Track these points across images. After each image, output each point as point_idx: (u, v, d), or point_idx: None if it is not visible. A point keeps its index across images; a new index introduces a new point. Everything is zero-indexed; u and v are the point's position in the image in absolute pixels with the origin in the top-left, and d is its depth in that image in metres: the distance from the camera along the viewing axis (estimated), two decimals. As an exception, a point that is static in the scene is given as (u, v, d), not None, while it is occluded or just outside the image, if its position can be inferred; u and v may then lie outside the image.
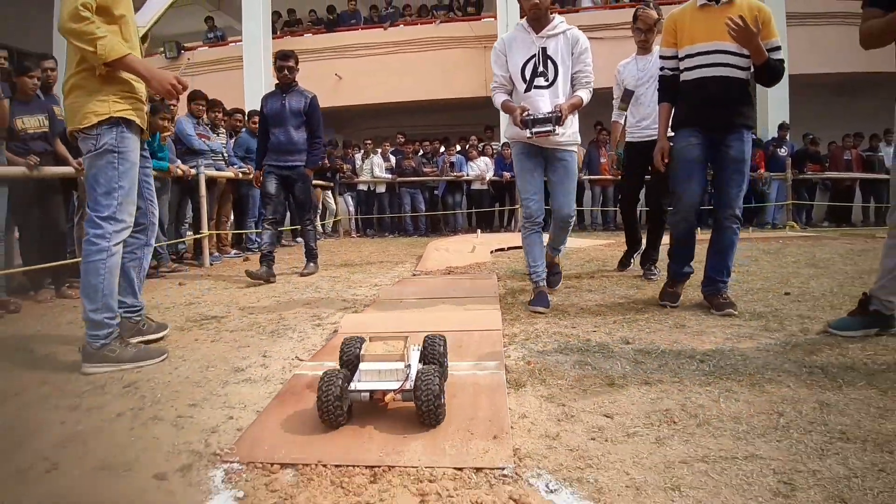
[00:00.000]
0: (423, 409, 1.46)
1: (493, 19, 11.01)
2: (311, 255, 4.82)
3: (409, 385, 1.51)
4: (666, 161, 3.06)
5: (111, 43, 2.07)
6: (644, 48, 3.99)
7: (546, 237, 3.31)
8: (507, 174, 9.91)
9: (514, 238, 7.06)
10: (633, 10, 4.03)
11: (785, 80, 10.57)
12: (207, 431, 1.53)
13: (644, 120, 3.95)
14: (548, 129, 2.83)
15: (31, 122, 3.85)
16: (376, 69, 11.32)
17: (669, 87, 3.05)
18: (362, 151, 10.07)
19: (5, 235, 3.64)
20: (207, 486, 1.24)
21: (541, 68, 3.00)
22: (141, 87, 2.29)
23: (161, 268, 5.02)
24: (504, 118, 10.31)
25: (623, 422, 1.51)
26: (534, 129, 2.84)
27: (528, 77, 3.03)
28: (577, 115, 3.10)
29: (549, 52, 3.01)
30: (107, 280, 2.21)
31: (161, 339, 2.57)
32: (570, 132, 3.05)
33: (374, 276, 4.49)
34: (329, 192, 9.57)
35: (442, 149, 10.45)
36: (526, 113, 2.84)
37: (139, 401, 1.77)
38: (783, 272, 4.09)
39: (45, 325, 3.01)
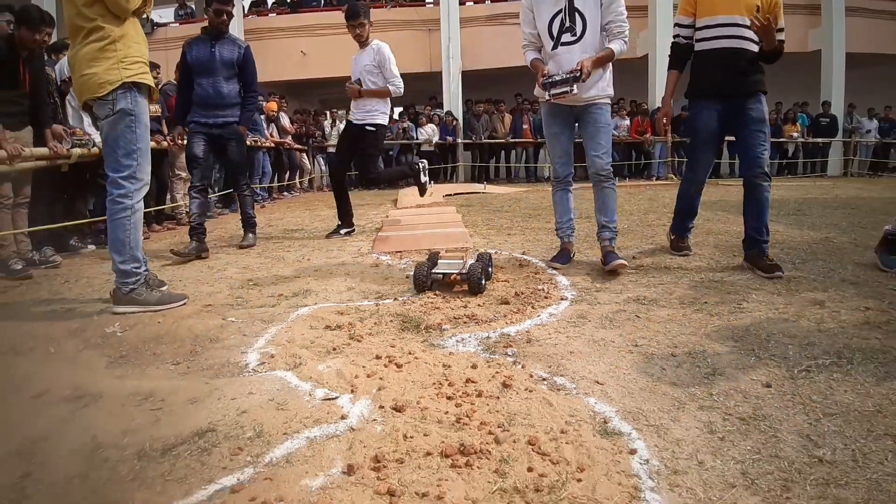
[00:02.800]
0: (471, 283, 2.66)
1: (435, 5, 13.35)
2: (249, 224, 4.60)
3: (465, 271, 2.72)
4: (668, 125, 3.66)
5: None
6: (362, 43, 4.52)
7: (582, 200, 3.81)
8: (449, 138, 12.54)
9: (458, 188, 9.76)
10: None
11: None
12: (355, 250, 4.12)
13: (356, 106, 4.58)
14: (565, 90, 2.89)
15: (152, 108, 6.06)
16: (336, 46, 13.44)
17: (682, 55, 3.26)
18: (330, 119, 12.33)
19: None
20: (375, 258, 3.84)
21: (567, 23, 2.99)
22: (146, 51, 2.59)
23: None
24: (446, 87, 12.89)
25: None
26: (552, 92, 2.94)
27: (555, 33, 3.03)
28: (609, 68, 3.10)
29: (575, 4, 2.98)
30: (132, 234, 2.52)
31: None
32: (600, 86, 3.05)
33: (370, 211, 7.02)
34: (304, 155, 11.83)
35: (396, 117, 12.87)
36: (545, 76, 2.96)
37: (308, 251, 4.31)
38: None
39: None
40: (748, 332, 2.08)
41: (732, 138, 3.23)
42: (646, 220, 5.25)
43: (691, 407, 1.53)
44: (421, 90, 14.27)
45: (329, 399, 1.62)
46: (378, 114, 4.56)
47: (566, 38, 2.99)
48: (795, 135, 13.61)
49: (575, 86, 2.85)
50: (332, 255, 3.98)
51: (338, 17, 13.79)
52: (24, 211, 4.11)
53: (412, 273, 2.82)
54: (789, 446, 1.31)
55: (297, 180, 11.37)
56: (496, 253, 3.72)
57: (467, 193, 9.03)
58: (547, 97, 3.00)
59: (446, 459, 1.27)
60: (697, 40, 3.16)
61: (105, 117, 2.46)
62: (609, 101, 3.14)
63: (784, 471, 1.22)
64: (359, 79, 4.53)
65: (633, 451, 1.31)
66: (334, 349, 2.04)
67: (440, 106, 13.28)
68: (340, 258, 3.83)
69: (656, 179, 12.33)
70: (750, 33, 3.00)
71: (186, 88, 4.25)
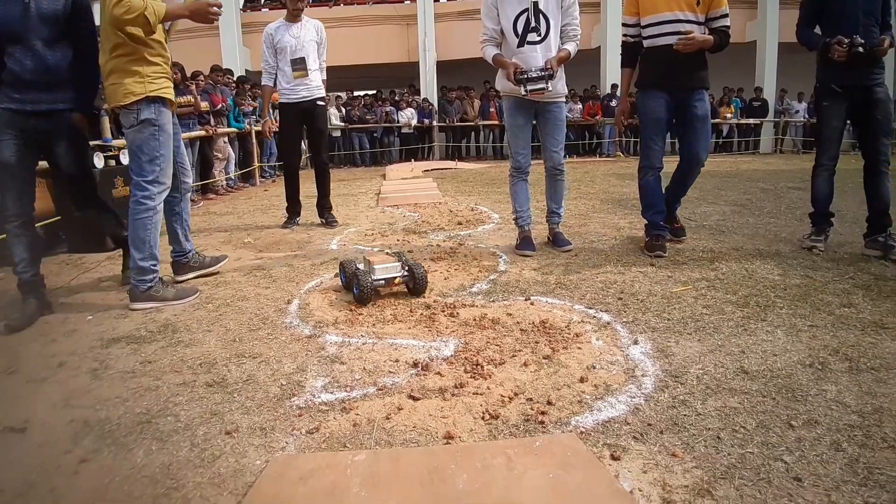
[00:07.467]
0: (417, 282, 2.75)
1: (412, 2, 15.45)
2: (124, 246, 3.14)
3: (405, 274, 2.81)
4: (626, 121, 3.82)
5: (152, 7, 2.49)
6: (294, 16, 4.68)
7: (545, 190, 3.84)
8: (426, 121, 14.75)
9: (434, 164, 12.03)
10: None
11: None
12: (365, 206, 6.41)
13: (298, 85, 4.74)
14: (541, 87, 3.17)
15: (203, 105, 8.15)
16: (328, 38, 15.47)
17: (631, 53, 3.51)
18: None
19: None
20: (381, 209, 6.11)
21: (533, 23, 3.22)
22: (168, 66, 2.79)
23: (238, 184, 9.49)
24: (423, 76, 15.12)
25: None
26: (528, 88, 3.17)
27: (520, 32, 3.25)
28: (563, 68, 3.39)
29: (540, 7, 3.21)
30: (152, 234, 2.77)
31: (218, 270, 3.45)
32: (560, 84, 3.40)
33: (366, 184, 9.24)
34: (299, 136, 13.94)
35: (379, 102, 15.05)
36: (519, 71, 3.16)
37: (335, 205, 6.56)
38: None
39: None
40: (582, 229, 4.42)
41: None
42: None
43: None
44: (400, 77, 16.45)
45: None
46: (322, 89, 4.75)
47: (532, 37, 3.26)
48: (729, 116, 16.08)
49: (549, 83, 3.19)
50: (352, 207, 6.26)
51: (324, 12, 15.92)
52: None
53: (354, 285, 2.78)
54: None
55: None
56: (457, 204, 6.05)
57: (442, 169, 11.28)
58: (523, 93, 3.22)
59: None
60: (644, 38, 3.42)
61: (129, 126, 2.70)
62: (565, 99, 3.56)
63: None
64: (303, 56, 4.61)
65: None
66: (373, 241, 4.37)
67: (417, 92, 15.45)
68: (359, 209, 6.12)
69: (607, 157, 14.74)
70: (692, 27, 3.23)
71: None
